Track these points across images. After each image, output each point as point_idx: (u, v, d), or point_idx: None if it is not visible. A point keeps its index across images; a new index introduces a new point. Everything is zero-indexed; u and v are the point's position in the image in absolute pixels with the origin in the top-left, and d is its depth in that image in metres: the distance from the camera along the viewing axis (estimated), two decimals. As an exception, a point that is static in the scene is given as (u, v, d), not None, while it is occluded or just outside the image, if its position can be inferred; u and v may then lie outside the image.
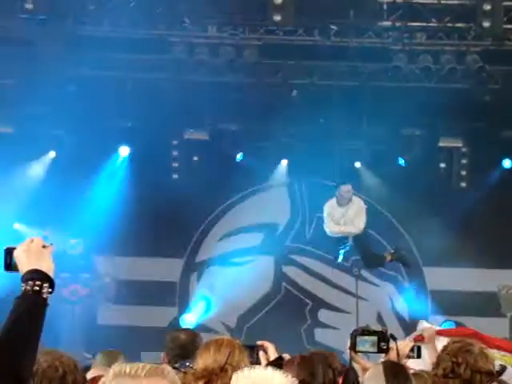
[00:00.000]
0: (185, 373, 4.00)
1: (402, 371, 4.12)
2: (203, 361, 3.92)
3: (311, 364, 4.64)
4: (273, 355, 4.58)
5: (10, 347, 2.63)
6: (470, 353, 4.16)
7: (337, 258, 13.30)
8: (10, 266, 2.88)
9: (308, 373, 4.58)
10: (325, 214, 12.41)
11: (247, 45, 13.44)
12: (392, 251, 13.38)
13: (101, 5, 13.05)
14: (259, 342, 4.60)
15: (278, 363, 4.17)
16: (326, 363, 4.69)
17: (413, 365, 4.86)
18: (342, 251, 13.02)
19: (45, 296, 2.73)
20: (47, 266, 2.79)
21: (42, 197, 13.99)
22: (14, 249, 2.87)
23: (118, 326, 14.09)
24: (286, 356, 4.82)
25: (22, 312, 2.69)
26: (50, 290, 2.76)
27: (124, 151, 14.99)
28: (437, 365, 4.29)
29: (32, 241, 2.87)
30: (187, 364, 5.36)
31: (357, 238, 12.37)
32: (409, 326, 15.33)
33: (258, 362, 4.57)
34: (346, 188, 12.36)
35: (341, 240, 12.79)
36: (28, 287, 2.73)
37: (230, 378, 3.57)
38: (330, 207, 12.42)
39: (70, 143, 14.69)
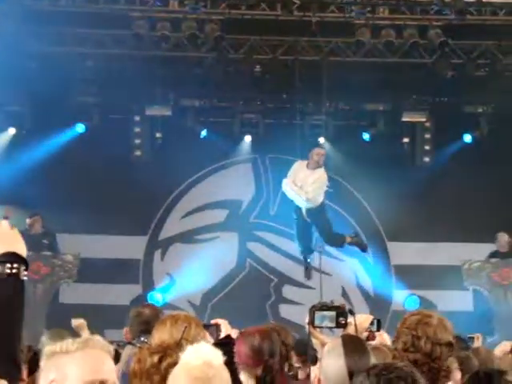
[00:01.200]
0: (140, 348, 3.96)
1: (360, 344, 4.10)
2: (159, 336, 3.88)
3: (270, 339, 4.63)
4: (225, 333, 4.55)
5: (2, 332, 2.64)
6: (428, 325, 4.15)
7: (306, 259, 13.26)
8: None
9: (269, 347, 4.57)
10: (290, 170, 12.41)
11: (209, 19, 13.32)
12: (353, 235, 13.38)
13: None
14: (212, 321, 4.57)
15: (225, 342, 4.14)
16: (279, 339, 4.69)
17: None
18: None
19: (23, 278, 2.73)
20: (21, 248, 2.78)
21: (1, 174, 13.81)
22: None
23: (80, 304, 13.97)
24: (236, 332, 4.80)
25: (5, 296, 2.69)
26: (26, 272, 2.75)
27: (81, 128, 14.82)
28: (396, 338, 4.27)
29: (1, 223, 2.84)
30: (142, 339, 5.33)
31: (312, 214, 12.34)
32: (373, 301, 15.46)
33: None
34: (319, 151, 12.31)
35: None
36: (6, 270, 2.71)
37: None
38: (298, 165, 12.39)
39: (30, 120, 14.51)
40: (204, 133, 15.22)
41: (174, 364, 3.05)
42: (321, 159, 12.17)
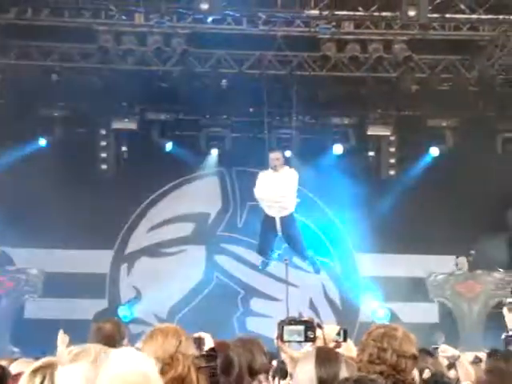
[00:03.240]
0: None
1: (332, 354, 4.14)
2: (152, 350, 3.84)
3: (226, 352, 4.62)
4: (209, 346, 4.55)
5: None
6: (394, 338, 4.18)
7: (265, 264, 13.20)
8: None
9: (223, 361, 4.56)
10: (257, 180, 12.35)
11: (175, 33, 13.33)
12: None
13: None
14: (195, 334, 4.56)
15: (210, 354, 4.15)
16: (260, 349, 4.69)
17: None
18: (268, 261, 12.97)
19: None
20: None
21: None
22: None
23: (45, 319, 13.85)
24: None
25: None
26: None
27: (42, 141, 14.72)
28: (362, 351, 4.30)
29: None
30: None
31: (286, 224, 12.31)
32: (341, 312, 15.52)
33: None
34: (274, 155, 12.28)
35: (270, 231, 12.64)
36: None
37: (183, 368, 3.55)
38: (263, 174, 12.36)
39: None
40: (170, 146, 15.20)
41: (178, 378, 3.05)
42: (276, 163, 12.11)
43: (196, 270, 15.57)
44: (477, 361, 6.73)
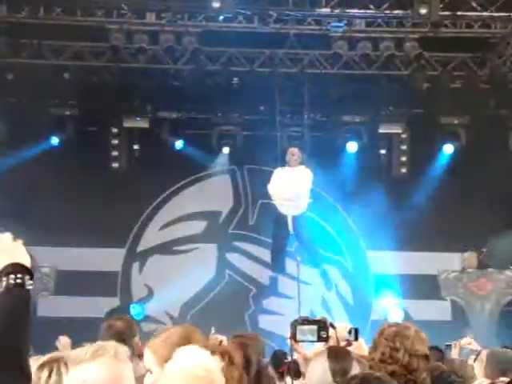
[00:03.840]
0: None
1: (344, 351, 4.16)
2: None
3: (245, 349, 4.64)
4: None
5: (12, 344, 2.66)
6: (406, 337, 4.19)
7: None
8: None
9: (243, 359, 4.58)
10: (272, 176, 12.39)
11: (186, 32, 13.34)
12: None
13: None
14: (212, 336, 4.57)
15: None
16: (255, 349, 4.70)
17: None
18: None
19: (28, 288, 2.75)
20: (25, 259, 2.80)
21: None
22: None
23: (57, 317, 13.91)
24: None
25: (12, 306, 2.71)
26: (31, 282, 2.76)
27: (55, 140, 14.76)
28: (374, 349, 4.31)
29: (2, 237, 2.87)
30: None
31: (297, 223, 12.32)
32: (353, 310, 15.52)
33: None
34: (292, 150, 12.33)
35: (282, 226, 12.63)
36: (11, 281, 2.73)
37: None
38: (279, 169, 12.39)
39: (5, 132, 14.43)
40: (180, 144, 15.22)
41: None
42: (292, 159, 12.13)
43: (208, 268, 15.59)
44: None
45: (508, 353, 6.09)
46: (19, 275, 2.76)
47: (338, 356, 4.02)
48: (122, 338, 5.23)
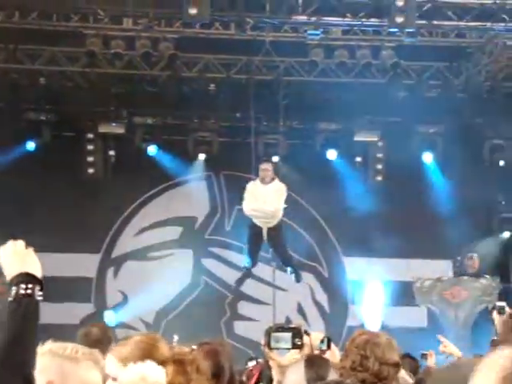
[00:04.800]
0: None
1: (321, 359, 4.17)
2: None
3: (217, 357, 4.62)
4: None
5: (19, 351, 2.67)
6: (377, 345, 4.20)
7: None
8: None
9: (214, 366, 4.56)
10: (245, 193, 12.27)
11: (163, 38, 13.33)
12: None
13: (12, -4, 12.77)
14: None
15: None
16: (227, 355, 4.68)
17: None
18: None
19: (37, 298, 2.75)
20: (36, 269, 2.80)
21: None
22: None
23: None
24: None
25: (21, 316, 2.71)
26: (41, 292, 2.77)
27: (30, 145, 14.68)
28: (345, 357, 4.32)
29: (15, 244, 2.87)
30: None
31: (272, 235, 12.29)
32: (329, 316, 15.55)
33: None
34: (263, 166, 12.26)
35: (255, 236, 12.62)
36: (21, 290, 2.73)
37: None
38: (252, 185, 12.28)
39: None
40: (153, 150, 15.16)
41: None
42: (266, 175, 12.08)
43: (183, 274, 15.55)
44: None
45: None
46: (30, 285, 2.75)
47: (315, 364, 4.03)
48: (99, 345, 5.21)
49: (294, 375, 4.02)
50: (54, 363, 2.68)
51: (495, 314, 6.37)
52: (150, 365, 3.05)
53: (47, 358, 2.70)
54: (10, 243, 2.88)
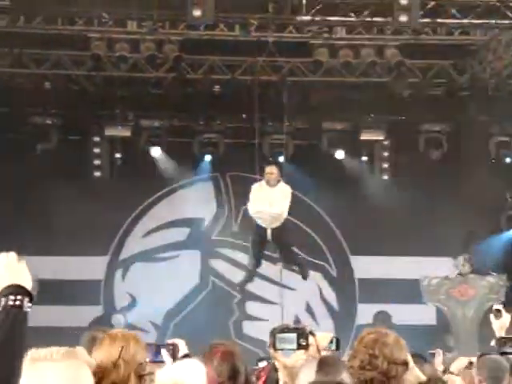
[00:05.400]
0: None
1: (335, 361, 4.18)
2: (97, 357, 3.88)
3: (233, 359, 4.64)
4: (182, 352, 4.55)
5: (4, 364, 2.65)
6: (385, 344, 4.21)
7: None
8: None
9: (231, 368, 4.58)
10: (250, 195, 12.31)
11: (168, 40, 13.36)
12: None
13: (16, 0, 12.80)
14: (169, 341, 4.57)
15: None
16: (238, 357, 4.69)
17: None
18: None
19: (26, 310, 2.75)
20: (26, 281, 2.80)
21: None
22: None
23: (39, 327, 13.83)
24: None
25: (8, 327, 2.70)
26: (30, 304, 2.76)
27: (42, 148, 14.73)
28: (353, 357, 4.33)
29: (7, 256, 2.86)
30: None
31: (276, 234, 12.32)
32: (338, 315, 15.56)
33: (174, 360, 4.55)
34: (269, 169, 12.30)
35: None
36: (10, 302, 2.72)
37: (123, 375, 3.59)
38: (257, 187, 12.32)
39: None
40: (163, 153, 15.20)
41: None
42: (271, 177, 12.12)
43: (191, 275, 15.58)
44: (469, 366, 6.75)
45: (498, 360, 6.10)
46: (19, 297, 2.73)
47: (327, 366, 4.04)
48: None
49: (306, 374, 4.04)
50: (34, 368, 2.70)
51: (492, 317, 6.36)
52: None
53: (28, 364, 2.73)
54: (2, 255, 2.89)
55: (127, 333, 3.95)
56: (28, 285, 2.80)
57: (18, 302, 2.73)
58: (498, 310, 6.25)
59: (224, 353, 4.61)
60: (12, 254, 2.86)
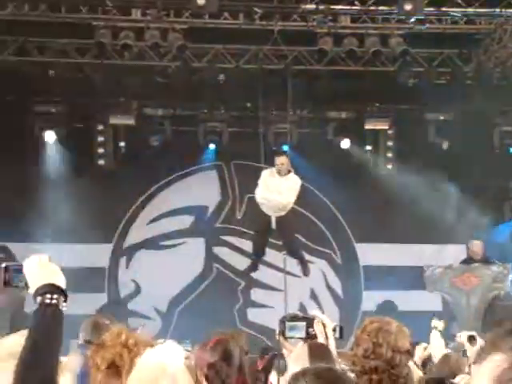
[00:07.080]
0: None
1: (325, 351, 4.18)
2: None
3: (226, 343, 4.64)
4: None
5: (44, 361, 2.72)
6: (388, 332, 4.22)
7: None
8: (8, 282, 2.99)
9: (223, 355, 4.58)
10: (260, 180, 12.35)
11: (172, 28, 13.34)
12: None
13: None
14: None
15: None
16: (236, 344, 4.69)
17: None
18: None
19: (62, 308, 2.83)
20: (60, 281, 2.88)
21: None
22: (16, 266, 2.98)
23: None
24: None
25: (45, 325, 2.78)
26: (65, 303, 2.84)
27: (49, 136, 14.75)
28: (356, 346, 4.34)
29: (40, 257, 2.95)
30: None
31: (281, 222, 12.34)
32: (343, 302, 15.59)
33: None
34: (279, 160, 12.33)
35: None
36: (46, 300, 2.80)
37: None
38: (267, 174, 12.34)
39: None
40: (168, 141, 15.21)
41: None
42: (282, 168, 12.15)
43: (195, 263, 15.62)
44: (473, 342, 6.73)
45: None
46: (55, 296, 2.82)
47: (319, 357, 4.05)
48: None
49: (298, 366, 4.04)
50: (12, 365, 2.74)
51: (468, 345, 6.35)
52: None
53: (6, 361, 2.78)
54: (35, 256, 2.96)
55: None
56: (63, 284, 2.88)
57: (54, 301, 2.81)
58: (473, 337, 6.26)
59: (219, 338, 4.63)
60: (44, 256, 2.95)
